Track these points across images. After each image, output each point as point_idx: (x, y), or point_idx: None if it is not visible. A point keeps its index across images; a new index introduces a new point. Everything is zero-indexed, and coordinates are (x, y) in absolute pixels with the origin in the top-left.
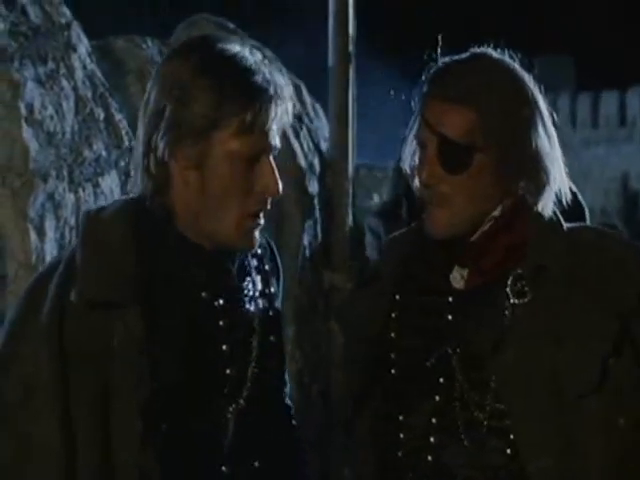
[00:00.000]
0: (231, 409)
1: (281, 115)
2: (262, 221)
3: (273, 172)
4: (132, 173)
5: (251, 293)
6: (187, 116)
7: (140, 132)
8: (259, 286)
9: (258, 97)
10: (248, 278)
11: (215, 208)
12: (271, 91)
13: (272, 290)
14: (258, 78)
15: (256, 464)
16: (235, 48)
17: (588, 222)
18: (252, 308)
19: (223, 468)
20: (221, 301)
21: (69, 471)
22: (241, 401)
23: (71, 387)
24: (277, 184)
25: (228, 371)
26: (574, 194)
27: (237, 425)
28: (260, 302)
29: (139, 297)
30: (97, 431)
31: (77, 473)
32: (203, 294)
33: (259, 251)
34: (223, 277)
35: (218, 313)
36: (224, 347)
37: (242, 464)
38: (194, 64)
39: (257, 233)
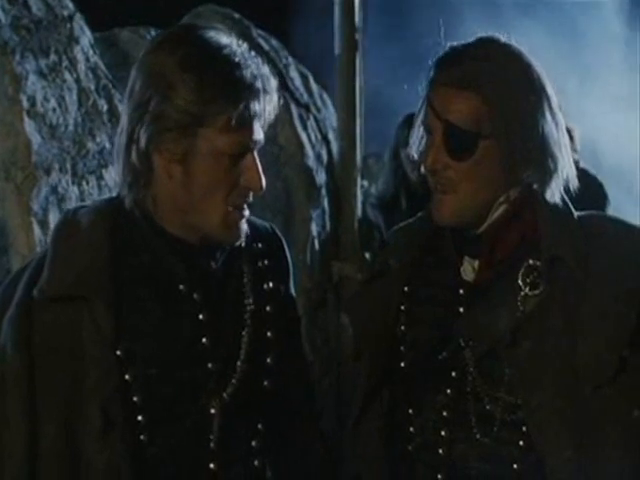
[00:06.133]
0: (214, 404)
1: (267, 109)
2: (247, 212)
3: (257, 168)
4: (114, 163)
5: (241, 288)
6: (172, 111)
7: (124, 122)
8: (252, 281)
9: (244, 94)
10: (238, 272)
11: (200, 202)
12: (257, 85)
13: (271, 286)
14: (245, 73)
15: (255, 462)
16: (221, 41)
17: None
18: (243, 302)
19: (211, 465)
20: (200, 294)
21: (32, 471)
22: (225, 396)
23: (37, 381)
24: (260, 180)
25: (210, 365)
26: (591, 175)
27: (223, 420)
28: (251, 297)
29: (108, 291)
30: (61, 427)
31: (41, 471)
32: (181, 287)
33: (259, 245)
34: (202, 270)
35: (197, 306)
36: (204, 340)
37: (233, 461)
38: (180, 59)
39: (243, 225)
